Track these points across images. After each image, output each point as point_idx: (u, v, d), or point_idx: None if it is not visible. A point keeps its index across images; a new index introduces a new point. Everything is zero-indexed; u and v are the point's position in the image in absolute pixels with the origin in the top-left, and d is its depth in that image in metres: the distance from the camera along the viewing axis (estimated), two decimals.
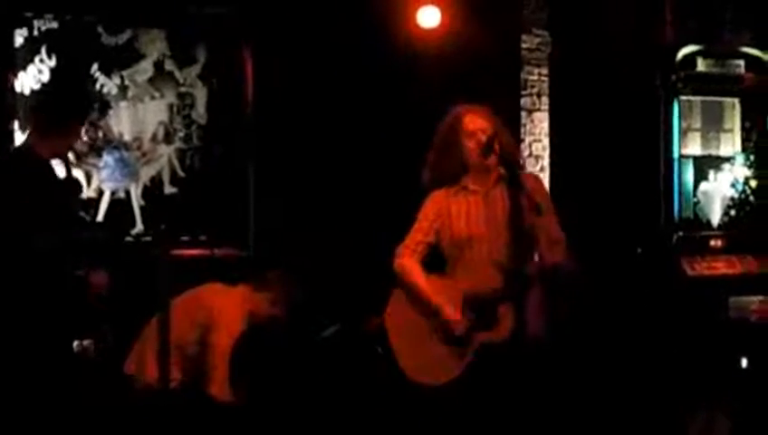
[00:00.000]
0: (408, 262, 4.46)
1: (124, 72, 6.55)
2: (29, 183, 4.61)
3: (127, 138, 6.56)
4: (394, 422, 5.27)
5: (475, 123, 4.41)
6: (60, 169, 5.14)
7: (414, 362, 4.37)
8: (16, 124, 6.24)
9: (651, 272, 6.16)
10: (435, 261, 4.53)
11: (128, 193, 6.57)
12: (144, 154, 6.62)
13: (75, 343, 5.15)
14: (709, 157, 6.68)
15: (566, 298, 5.38)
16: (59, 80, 6.33)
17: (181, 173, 6.69)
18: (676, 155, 6.55)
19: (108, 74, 6.50)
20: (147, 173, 6.62)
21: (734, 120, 6.74)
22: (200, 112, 6.73)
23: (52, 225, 4.59)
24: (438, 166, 4.49)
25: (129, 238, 6.34)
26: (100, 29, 6.48)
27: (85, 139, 6.29)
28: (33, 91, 6.30)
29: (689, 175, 6.60)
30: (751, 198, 6.67)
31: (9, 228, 4.47)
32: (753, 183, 6.67)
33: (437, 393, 4.32)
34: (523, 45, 6.79)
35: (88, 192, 6.43)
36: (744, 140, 6.73)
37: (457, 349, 4.30)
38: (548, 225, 4.38)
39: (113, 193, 6.53)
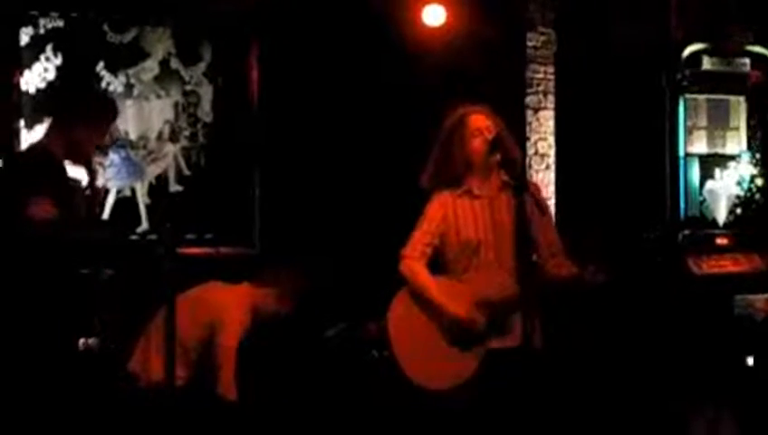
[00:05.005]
0: (417, 265, 4.44)
1: (130, 71, 6.54)
2: (39, 180, 4.59)
3: (132, 136, 6.56)
4: (395, 425, 5.26)
5: (480, 122, 4.42)
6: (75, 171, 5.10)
7: (419, 367, 4.34)
8: (22, 123, 6.24)
9: (657, 270, 6.15)
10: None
11: (133, 191, 6.57)
12: (150, 152, 6.62)
13: (80, 342, 5.14)
14: (715, 155, 6.67)
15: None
16: (70, 77, 6.33)
17: (187, 171, 6.69)
18: (681, 153, 6.54)
19: (113, 73, 6.50)
20: (152, 171, 6.62)
21: (740, 118, 6.73)
22: (206, 111, 6.72)
23: (59, 223, 4.58)
24: (441, 166, 4.48)
25: (134, 237, 6.34)
26: (105, 27, 6.47)
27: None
28: (38, 90, 6.31)
29: (695, 173, 6.60)
30: (757, 196, 6.66)
31: (14, 225, 4.46)
32: (760, 181, 6.66)
33: (442, 398, 4.30)
34: (529, 43, 6.79)
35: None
36: (749, 138, 6.72)
37: (466, 354, 4.29)
38: (548, 230, 4.40)
39: (119, 191, 6.54)
